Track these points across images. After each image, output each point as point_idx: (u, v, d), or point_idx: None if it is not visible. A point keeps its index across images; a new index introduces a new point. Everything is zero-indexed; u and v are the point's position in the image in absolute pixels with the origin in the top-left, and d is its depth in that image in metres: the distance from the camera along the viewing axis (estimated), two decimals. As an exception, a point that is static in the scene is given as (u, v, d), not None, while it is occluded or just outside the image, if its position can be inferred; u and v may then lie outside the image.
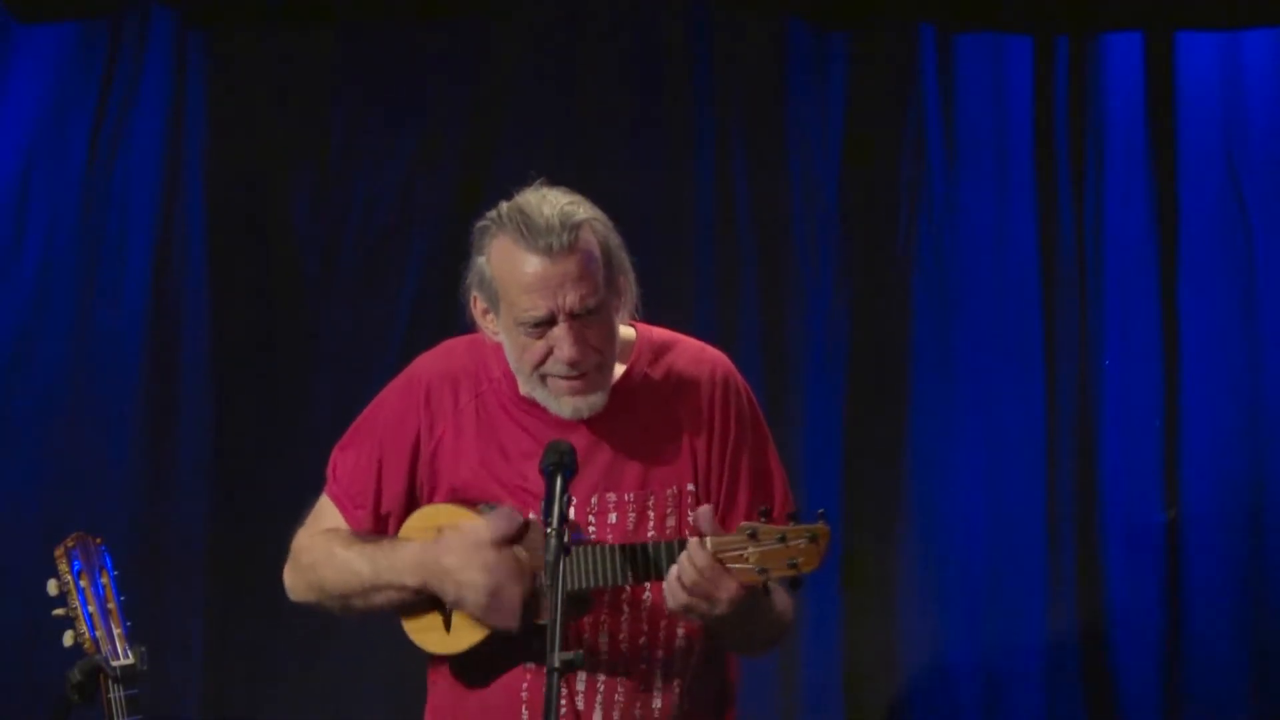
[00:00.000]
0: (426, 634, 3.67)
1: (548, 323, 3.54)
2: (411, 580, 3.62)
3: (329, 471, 3.79)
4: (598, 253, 3.55)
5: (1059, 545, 5.49)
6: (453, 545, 3.58)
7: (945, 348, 5.55)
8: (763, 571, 3.45)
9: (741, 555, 3.46)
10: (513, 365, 3.64)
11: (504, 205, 3.59)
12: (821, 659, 5.48)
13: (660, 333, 3.73)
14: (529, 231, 3.52)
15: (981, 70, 5.59)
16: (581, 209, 3.56)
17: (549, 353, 3.56)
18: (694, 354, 3.72)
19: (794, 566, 3.44)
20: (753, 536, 3.45)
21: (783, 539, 3.45)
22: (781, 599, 3.63)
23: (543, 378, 3.59)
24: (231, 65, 5.66)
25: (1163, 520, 5.47)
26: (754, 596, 3.50)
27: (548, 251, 3.51)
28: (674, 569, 3.48)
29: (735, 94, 5.61)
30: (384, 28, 5.66)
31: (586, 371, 3.57)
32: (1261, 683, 5.42)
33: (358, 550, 3.68)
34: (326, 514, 3.77)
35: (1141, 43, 5.55)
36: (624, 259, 3.61)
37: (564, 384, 3.58)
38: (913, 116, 5.58)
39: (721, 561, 3.45)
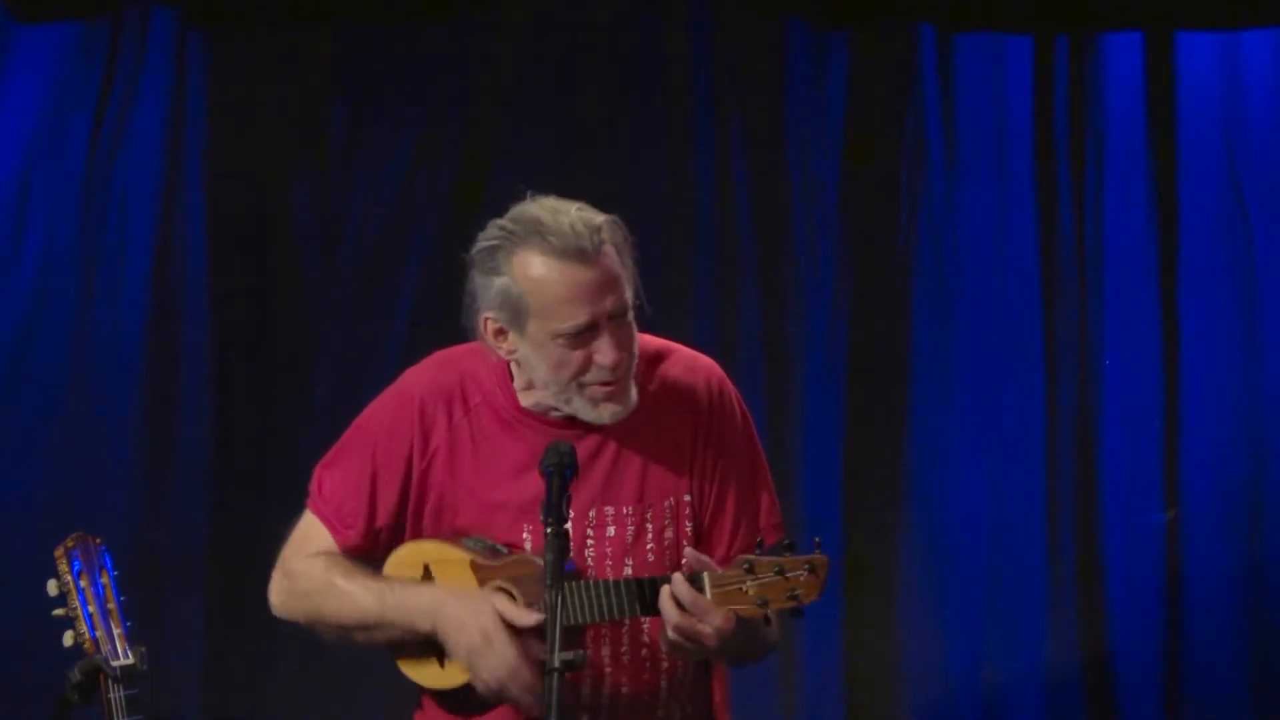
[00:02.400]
0: (420, 669, 3.63)
1: (589, 330, 3.49)
2: (424, 625, 3.58)
3: (313, 488, 3.72)
4: (624, 253, 3.52)
5: (1059, 545, 5.49)
6: (465, 617, 3.54)
7: (945, 347, 5.55)
8: (763, 604, 3.43)
9: (740, 589, 3.43)
10: (541, 379, 3.56)
11: (510, 224, 3.52)
12: (822, 659, 5.48)
13: (651, 341, 3.69)
14: (558, 242, 3.46)
15: (981, 70, 5.59)
16: (596, 213, 3.52)
17: (587, 361, 3.51)
18: (687, 363, 3.68)
19: (794, 598, 3.43)
20: (749, 570, 3.43)
21: (780, 571, 3.43)
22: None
23: (580, 386, 3.55)
24: (231, 65, 5.66)
25: (1163, 520, 5.48)
26: (752, 627, 3.49)
27: (582, 258, 3.46)
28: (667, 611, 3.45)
29: (735, 94, 5.61)
30: (384, 28, 5.66)
31: (622, 375, 3.55)
32: (1261, 684, 5.43)
33: (361, 585, 3.63)
34: (315, 534, 3.70)
35: (1141, 43, 5.55)
36: (632, 255, 3.57)
37: (601, 390, 3.53)
38: (913, 116, 5.58)
39: (719, 597, 3.43)
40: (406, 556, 3.65)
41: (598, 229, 3.48)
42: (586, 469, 3.55)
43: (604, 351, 3.49)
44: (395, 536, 3.68)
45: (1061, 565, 5.49)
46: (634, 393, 3.57)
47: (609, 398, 3.55)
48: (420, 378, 3.70)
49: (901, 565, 5.50)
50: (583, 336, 3.49)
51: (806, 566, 3.43)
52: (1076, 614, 5.47)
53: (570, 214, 3.49)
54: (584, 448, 3.57)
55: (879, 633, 5.49)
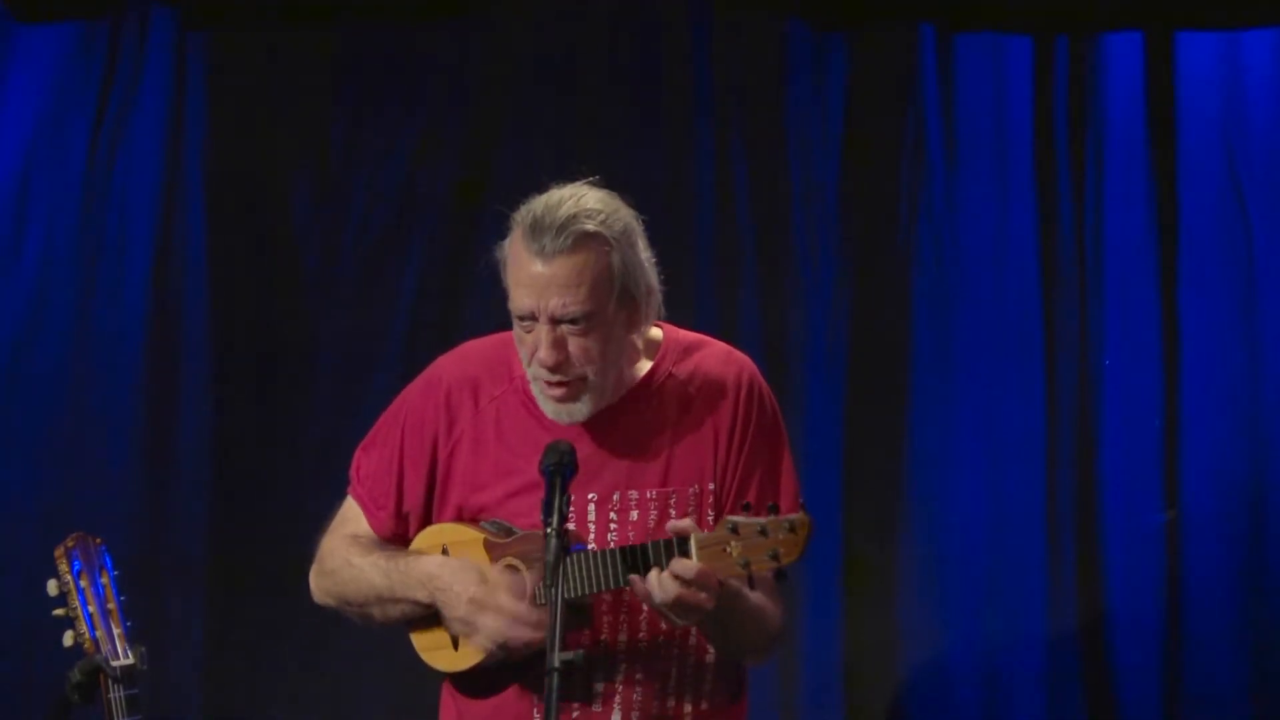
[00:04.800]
0: (435, 652, 3.68)
1: (531, 319, 3.56)
2: (423, 596, 3.64)
3: (352, 472, 3.81)
4: (598, 267, 3.55)
5: (1059, 545, 5.49)
6: (454, 582, 3.59)
7: (945, 347, 5.55)
8: (745, 565, 3.45)
9: (724, 550, 3.46)
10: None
11: (537, 196, 3.61)
12: (822, 658, 5.48)
13: (687, 335, 3.75)
14: (531, 228, 3.54)
15: (981, 70, 5.59)
16: (593, 221, 3.55)
17: (534, 351, 3.59)
18: (721, 356, 3.74)
19: (775, 558, 3.44)
20: (734, 531, 3.46)
21: (763, 531, 3.44)
22: (759, 599, 3.61)
23: (534, 376, 3.62)
24: (231, 65, 5.66)
25: (1163, 520, 5.47)
26: (735, 596, 3.50)
27: (540, 253, 3.53)
28: (658, 585, 3.48)
29: (735, 94, 5.61)
30: (384, 28, 5.66)
31: (568, 380, 3.58)
32: (1261, 682, 5.42)
33: (372, 562, 3.70)
34: (350, 516, 3.79)
35: (1141, 43, 5.55)
36: (641, 277, 3.61)
37: (548, 386, 3.60)
38: (913, 116, 5.58)
39: (704, 558, 3.46)
40: (427, 539, 3.72)
41: (575, 234, 3.53)
42: (613, 453, 3.63)
43: (540, 349, 3.56)
44: (425, 520, 3.74)
45: (1061, 565, 5.49)
46: (589, 400, 3.60)
47: (555, 397, 3.61)
48: (451, 366, 3.77)
49: (901, 565, 5.50)
50: (529, 323, 3.56)
51: (787, 525, 3.45)
52: (1076, 614, 5.47)
53: (564, 207, 3.55)
54: (611, 432, 3.63)
55: (879, 633, 5.49)
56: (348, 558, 3.73)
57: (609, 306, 3.57)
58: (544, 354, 3.55)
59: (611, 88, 5.62)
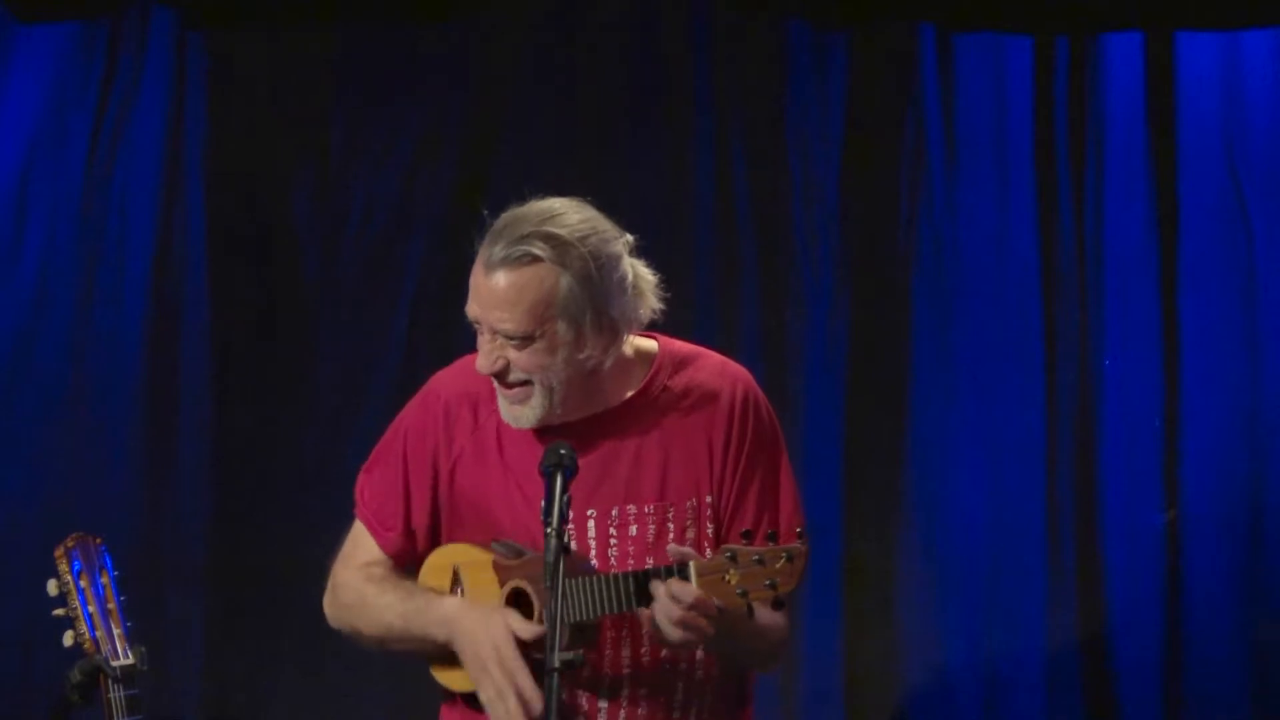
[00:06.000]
0: (449, 672, 3.67)
1: (478, 324, 3.57)
2: (440, 636, 3.63)
3: (357, 495, 3.78)
4: (540, 291, 3.51)
5: (1059, 545, 5.49)
6: (479, 632, 3.57)
7: (945, 348, 5.55)
8: (744, 594, 3.44)
9: (723, 579, 3.45)
10: None
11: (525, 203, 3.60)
12: (822, 659, 5.48)
13: (682, 346, 3.73)
14: (491, 234, 3.55)
15: (981, 70, 5.59)
16: (546, 245, 3.50)
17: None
18: (716, 368, 3.71)
19: (772, 587, 3.44)
20: (733, 559, 3.45)
21: (760, 560, 3.44)
22: (766, 614, 3.60)
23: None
24: (231, 65, 5.66)
25: (1163, 520, 5.48)
26: (737, 617, 3.49)
27: (487, 262, 3.53)
28: (659, 607, 3.47)
29: (735, 94, 5.61)
30: (384, 28, 5.66)
31: (512, 385, 3.57)
32: (1261, 683, 5.43)
33: (387, 604, 3.68)
34: (361, 542, 3.77)
35: (1141, 43, 5.55)
36: (603, 304, 3.54)
37: (500, 387, 3.60)
38: (913, 116, 5.58)
39: (704, 586, 3.45)
40: (438, 560, 3.71)
41: (518, 256, 3.50)
42: (610, 467, 3.61)
43: (480, 354, 3.56)
44: (434, 536, 3.73)
45: (1061, 565, 5.49)
46: (539, 408, 3.57)
47: (506, 398, 3.60)
48: (446, 380, 3.75)
49: (901, 565, 5.50)
50: (478, 326, 3.56)
51: (785, 555, 3.45)
52: (1076, 614, 5.47)
53: (525, 224, 3.52)
54: (607, 447, 3.62)
55: (879, 633, 5.49)
56: (362, 596, 3.71)
57: (552, 328, 3.52)
58: (479, 361, 3.57)
59: (611, 88, 5.62)
